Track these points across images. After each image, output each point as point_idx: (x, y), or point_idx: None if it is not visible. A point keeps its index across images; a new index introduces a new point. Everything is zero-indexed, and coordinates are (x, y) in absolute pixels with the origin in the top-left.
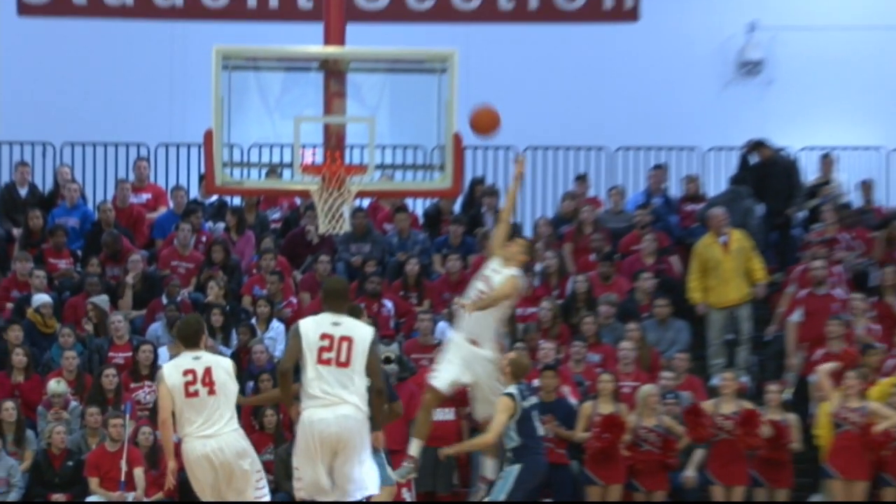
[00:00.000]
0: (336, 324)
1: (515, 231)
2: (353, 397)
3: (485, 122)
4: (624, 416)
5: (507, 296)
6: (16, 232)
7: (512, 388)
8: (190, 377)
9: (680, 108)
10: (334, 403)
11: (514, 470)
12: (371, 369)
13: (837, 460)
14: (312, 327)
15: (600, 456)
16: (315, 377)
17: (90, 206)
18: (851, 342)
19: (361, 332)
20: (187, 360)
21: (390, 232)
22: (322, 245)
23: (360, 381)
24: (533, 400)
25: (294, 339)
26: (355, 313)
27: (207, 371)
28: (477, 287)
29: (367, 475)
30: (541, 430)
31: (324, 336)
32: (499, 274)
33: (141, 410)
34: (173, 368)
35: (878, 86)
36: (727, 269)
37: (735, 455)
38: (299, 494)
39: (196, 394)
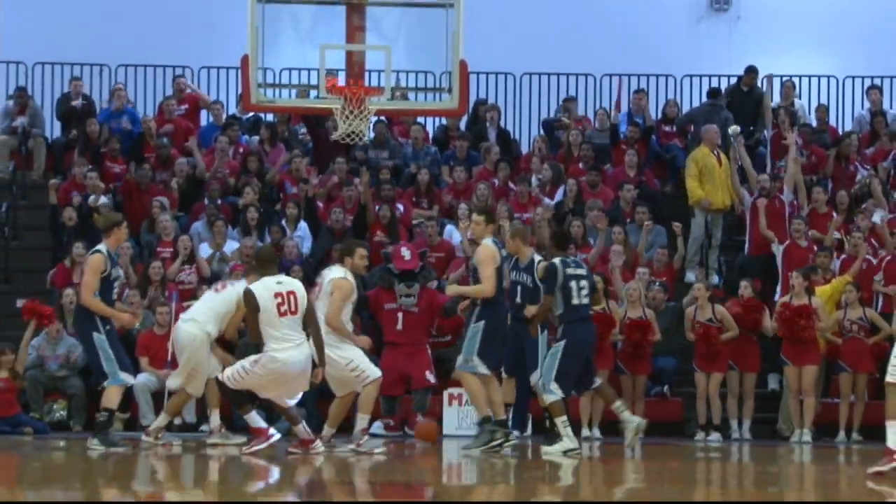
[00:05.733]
0: (279, 282)
1: None
2: (302, 337)
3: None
4: (614, 313)
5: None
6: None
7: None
8: (280, 299)
9: (658, 40)
10: (300, 344)
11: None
12: (308, 312)
13: (790, 351)
14: (264, 293)
15: None
16: (279, 325)
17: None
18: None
19: (298, 285)
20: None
21: (405, 145)
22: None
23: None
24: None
25: (253, 312)
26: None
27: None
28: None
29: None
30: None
31: (276, 294)
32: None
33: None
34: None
35: (833, 21)
36: (720, 177)
37: (715, 348)
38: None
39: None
